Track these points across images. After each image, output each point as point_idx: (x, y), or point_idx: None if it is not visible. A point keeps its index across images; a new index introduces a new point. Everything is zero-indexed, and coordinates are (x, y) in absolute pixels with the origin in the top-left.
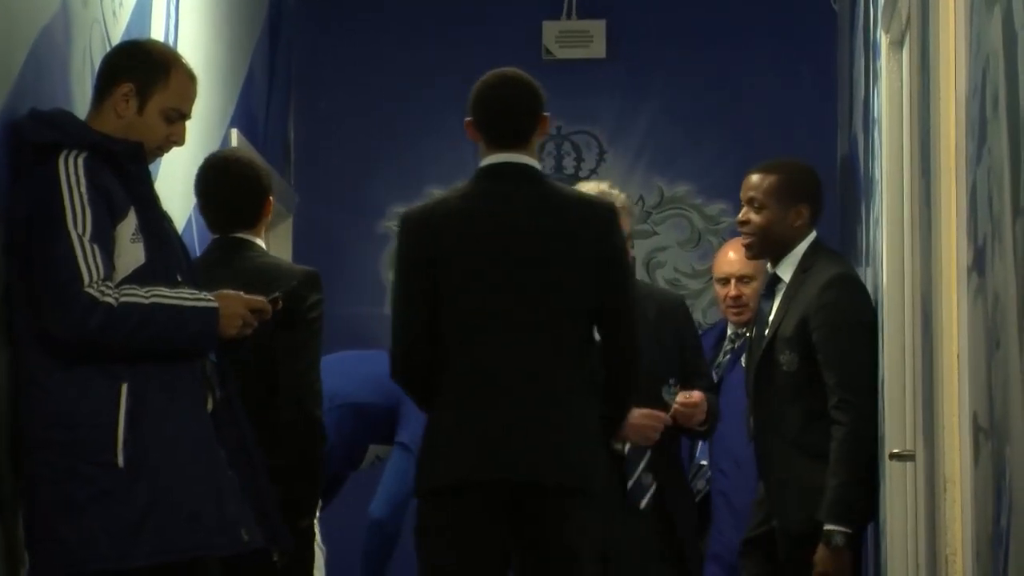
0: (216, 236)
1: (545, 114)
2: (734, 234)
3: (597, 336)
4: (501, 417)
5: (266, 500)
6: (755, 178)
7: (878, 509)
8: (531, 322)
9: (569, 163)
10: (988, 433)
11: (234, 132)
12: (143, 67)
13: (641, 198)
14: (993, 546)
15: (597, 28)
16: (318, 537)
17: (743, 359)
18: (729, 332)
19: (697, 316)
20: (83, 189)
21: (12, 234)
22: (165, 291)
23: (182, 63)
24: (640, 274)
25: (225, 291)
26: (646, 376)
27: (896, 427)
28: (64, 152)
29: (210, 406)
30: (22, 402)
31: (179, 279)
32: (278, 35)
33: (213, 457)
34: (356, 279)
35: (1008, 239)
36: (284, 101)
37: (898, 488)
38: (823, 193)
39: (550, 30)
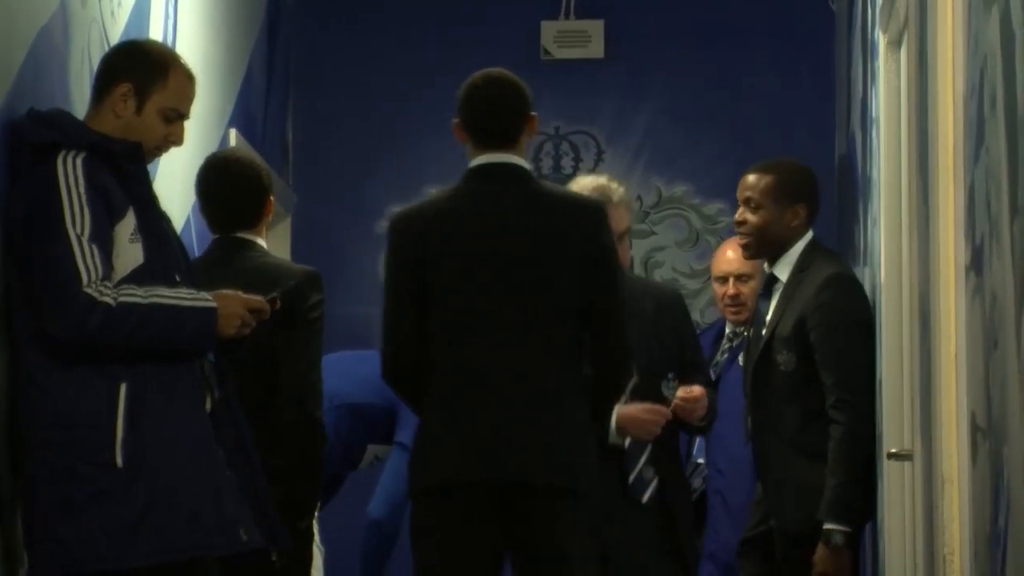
0: (217, 236)
1: (533, 114)
2: (732, 234)
3: None
4: (490, 417)
5: (265, 500)
6: (751, 178)
7: (876, 509)
8: (520, 322)
9: (567, 163)
10: (986, 432)
11: (232, 132)
12: (141, 67)
13: (639, 198)
14: (991, 546)
15: (595, 28)
16: (316, 537)
17: (740, 358)
18: (727, 331)
19: (695, 316)
20: (81, 189)
21: (11, 234)
22: (163, 291)
23: (180, 63)
24: (638, 273)
25: (223, 291)
26: (646, 371)
27: (894, 426)
28: (62, 152)
29: (208, 406)
30: (21, 402)
31: (177, 279)
32: (276, 35)
33: (212, 457)
34: (354, 279)
35: (1006, 239)
36: (282, 101)
37: (896, 487)
38: (820, 193)
39: (548, 30)
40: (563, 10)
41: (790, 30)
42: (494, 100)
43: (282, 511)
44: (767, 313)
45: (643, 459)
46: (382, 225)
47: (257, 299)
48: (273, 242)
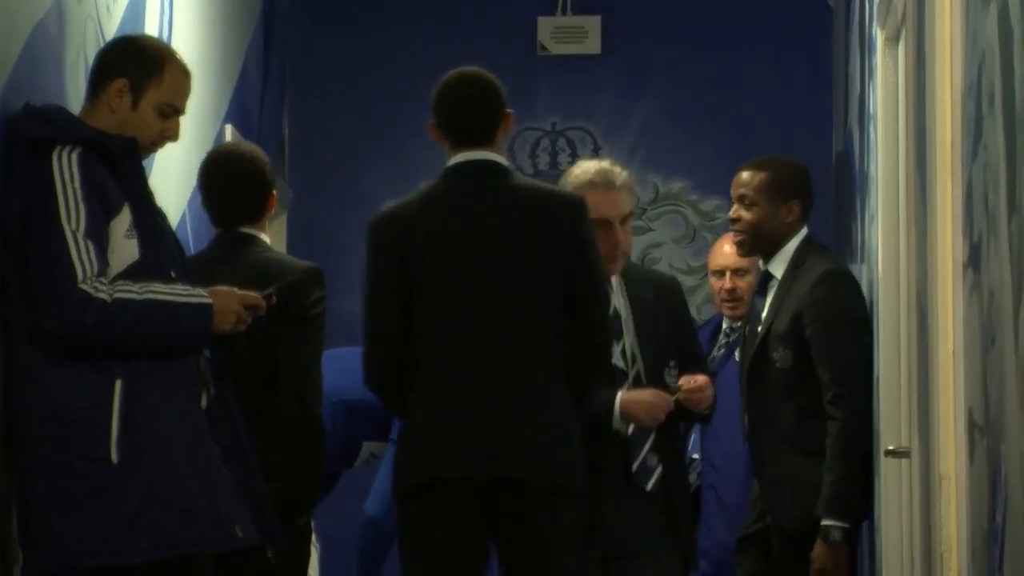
0: (220, 231)
1: (508, 111)
2: (729, 230)
3: None
4: (476, 414)
5: (261, 497)
6: (745, 175)
7: (873, 506)
8: (504, 319)
9: (564, 159)
10: (983, 430)
11: (228, 128)
12: (137, 62)
13: (636, 195)
14: (988, 543)
15: (592, 24)
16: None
17: (737, 354)
18: (724, 326)
19: (692, 313)
20: (77, 185)
21: (6, 230)
22: (159, 287)
23: (176, 58)
24: None
25: (219, 287)
26: (651, 359)
27: (891, 423)
28: (58, 148)
29: (204, 403)
30: (16, 397)
31: (173, 275)
32: (272, 31)
33: (207, 454)
34: (350, 275)
35: (1004, 235)
36: (278, 97)
37: (893, 485)
38: (813, 189)
39: (545, 26)
40: (560, 6)
41: (788, 26)
42: (468, 99)
43: (281, 508)
44: (762, 310)
45: (647, 447)
46: None
47: (253, 295)
48: (269, 238)
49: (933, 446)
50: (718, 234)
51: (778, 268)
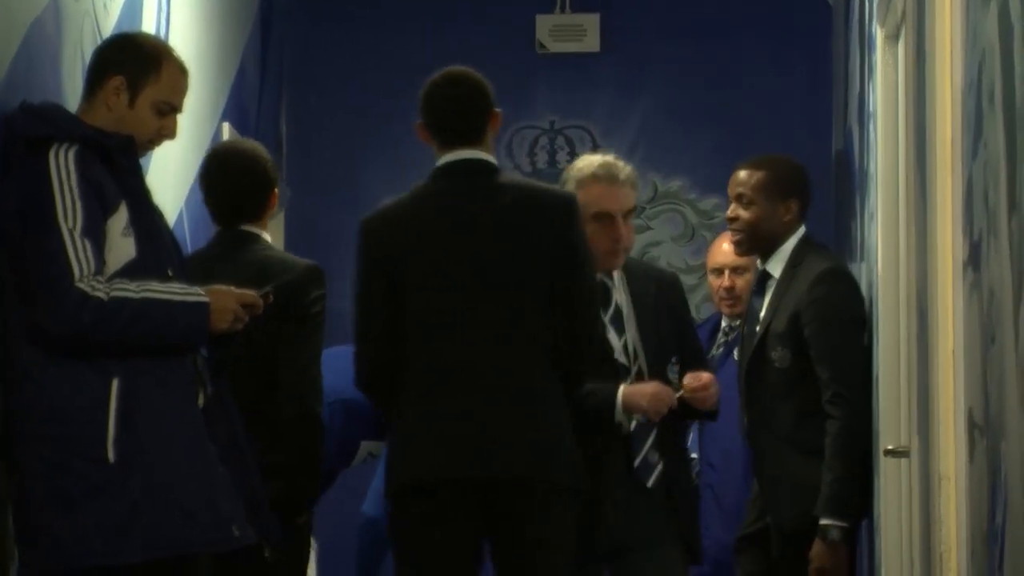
0: (220, 228)
1: (497, 110)
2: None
3: None
4: (467, 414)
5: (258, 496)
6: (743, 174)
7: (873, 505)
8: (495, 318)
9: (562, 157)
10: (983, 429)
11: (226, 126)
12: (134, 60)
13: (639, 190)
14: (988, 543)
15: (591, 22)
16: None
17: (735, 353)
18: (723, 325)
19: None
20: (74, 183)
21: (3, 228)
22: (155, 286)
23: (173, 56)
24: None
25: (216, 286)
26: (653, 355)
27: (891, 423)
28: (55, 146)
29: (201, 401)
30: (15, 397)
31: (170, 274)
32: (270, 29)
33: (204, 453)
34: (348, 274)
35: (1004, 234)
36: (276, 95)
37: (892, 484)
38: (811, 188)
39: (543, 24)
40: (558, 4)
41: (787, 24)
42: (456, 99)
43: (281, 507)
44: (760, 310)
45: (648, 443)
46: None
47: (250, 294)
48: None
49: (933, 446)
50: (717, 232)
51: (776, 267)
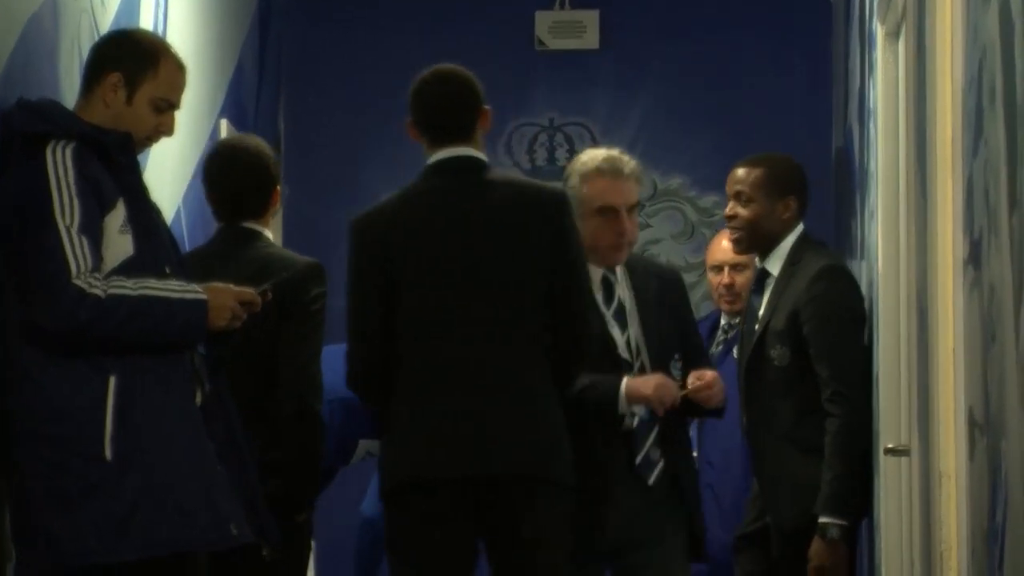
0: (222, 225)
1: (486, 107)
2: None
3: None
4: (461, 412)
5: (255, 495)
6: (741, 172)
7: (873, 504)
8: (488, 316)
9: (562, 155)
10: (984, 428)
11: (223, 123)
12: (132, 57)
13: (644, 185)
14: (988, 542)
15: (590, 18)
16: None
17: (735, 351)
18: (722, 323)
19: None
20: (71, 180)
21: (1, 224)
22: (153, 283)
23: (171, 53)
24: None
25: (214, 283)
26: (655, 351)
27: (891, 421)
28: (52, 142)
29: (199, 399)
30: (14, 397)
31: (168, 271)
32: (268, 27)
33: (202, 451)
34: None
35: (1004, 232)
36: (274, 93)
37: (893, 483)
38: (809, 185)
39: (543, 20)
40: (558, 0)
41: (787, 21)
42: (445, 96)
43: (281, 505)
44: (759, 308)
45: (650, 440)
46: None
47: (248, 291)
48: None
49: (933, 444)
50: (716, 230)
51: (775, 265)
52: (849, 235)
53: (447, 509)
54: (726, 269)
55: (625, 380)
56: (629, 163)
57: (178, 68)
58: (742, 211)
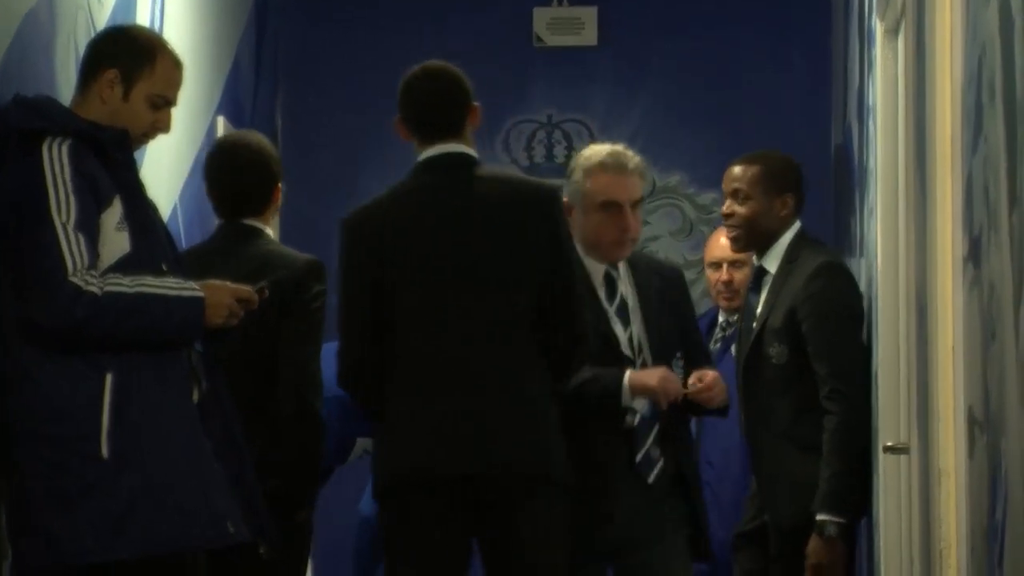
0: (223, 222)
1: (475, 104)
2: None
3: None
4: (456, 410)
5: (253, 493)
6: (737, 170)
7: (872, 502)
8: (481, 313)
9: (560, 152)
10: (983, 426)
11: (220, 120)
12: (128, 53)
13: (648, 181)
14: (988, 540)
15: (588, 15)
16: None
17: (733, 348)
18: (720, 320)
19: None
20: (67, 177)
21: None
22: (150, 280)
23: (168, 49)
24: None
25: (211, 281)
26: (657, 348)
27: (890, 419)
28: (48, 139)
29: (196, 397)
30: (13, 396)
31: (164, 268)
32: (265, 25)
33: (199, 449)
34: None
35: (1004, 229)
36: (271, 90)
37: (892, 481)
38: (805, 182)
39: (541, 17)
40: None
41: (786, 18)
42: (434, 92)
43: (281, 504)
44: (757, 306)
45: (651, 439)
46: None
47: (245, 289)
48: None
49: (932, 442)
50: (715, 227)
51: (772, 263)
52: (848, 233)
53: (443, 508)
54: (724, 266)
55: (628, 372)
56: (633, 159)
57: (175, 65)
58: (739, 209)
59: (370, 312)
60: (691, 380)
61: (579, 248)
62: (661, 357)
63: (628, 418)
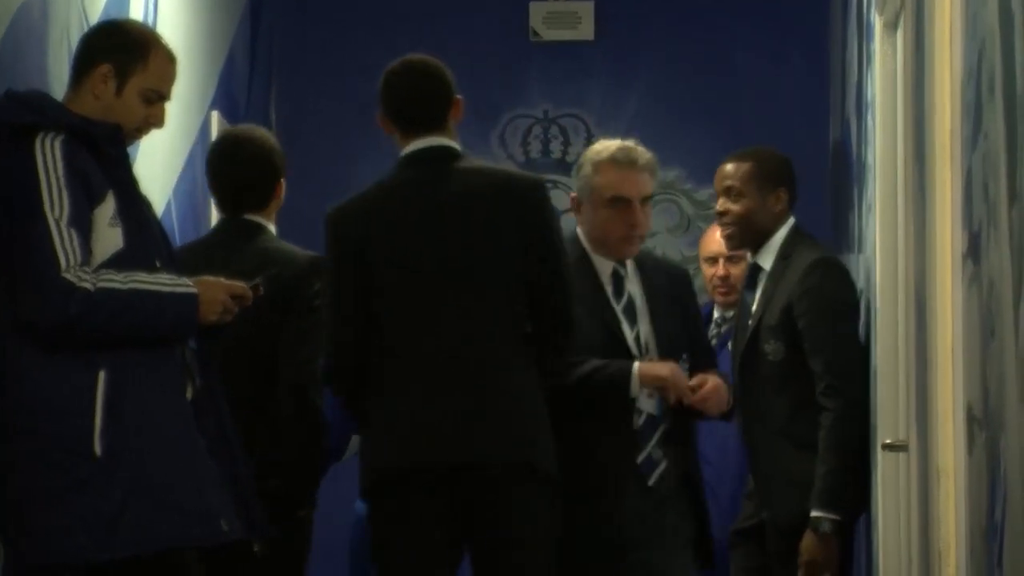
0: (224, 217)
1: (458, 97)
2: None
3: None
4: (442, 404)
5: (247, 490)
6: (730, 167)
7: (870, 501)
8: (469, 305)
9: (556, 147)
10: (983, 423)
11: (214, 114)
12: (122, 48)
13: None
14: (987, 539)
15: (585, 9)
16: None
17: (730, 345)
18: (716, 316)
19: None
20: (60, 172)
21: None
22: (143, 277)
23: (162, 44)
24: None
25: (205, 277)
26: (664, 348)
27: (889, 417)
28: (41, 134)
29: (190, 394)
30: (5, 392)
31: (158, 264)
32: (259, 18)
33: (193, 446)
34: None
35: (1004, 225)
36: (265, 85)
37: (890, 479)
38: (796, 178)
39: (537, 11)
40: None
41: (784, 12)
42: (416, 86)
43: (281, 502)
44: (752, 304)
45: (654, 440)
46: None
47: (239, 285)
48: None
49: (931, 440)
50: (712, 223)
51: (767, 260)
52: (847, 229)
53: (429, 506)
54: (721, 261)
55: (637, 363)
56: (644, 154)
57: (168, 59)
58: (733, 206)
59: (354, 307)
60: (692, 383)
61: (586, 245)
62: (667, 357)
63: (633, 418)
